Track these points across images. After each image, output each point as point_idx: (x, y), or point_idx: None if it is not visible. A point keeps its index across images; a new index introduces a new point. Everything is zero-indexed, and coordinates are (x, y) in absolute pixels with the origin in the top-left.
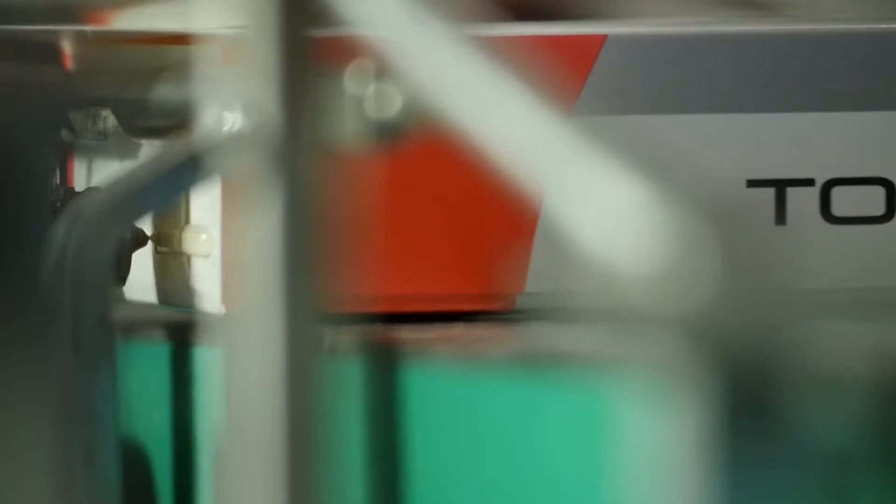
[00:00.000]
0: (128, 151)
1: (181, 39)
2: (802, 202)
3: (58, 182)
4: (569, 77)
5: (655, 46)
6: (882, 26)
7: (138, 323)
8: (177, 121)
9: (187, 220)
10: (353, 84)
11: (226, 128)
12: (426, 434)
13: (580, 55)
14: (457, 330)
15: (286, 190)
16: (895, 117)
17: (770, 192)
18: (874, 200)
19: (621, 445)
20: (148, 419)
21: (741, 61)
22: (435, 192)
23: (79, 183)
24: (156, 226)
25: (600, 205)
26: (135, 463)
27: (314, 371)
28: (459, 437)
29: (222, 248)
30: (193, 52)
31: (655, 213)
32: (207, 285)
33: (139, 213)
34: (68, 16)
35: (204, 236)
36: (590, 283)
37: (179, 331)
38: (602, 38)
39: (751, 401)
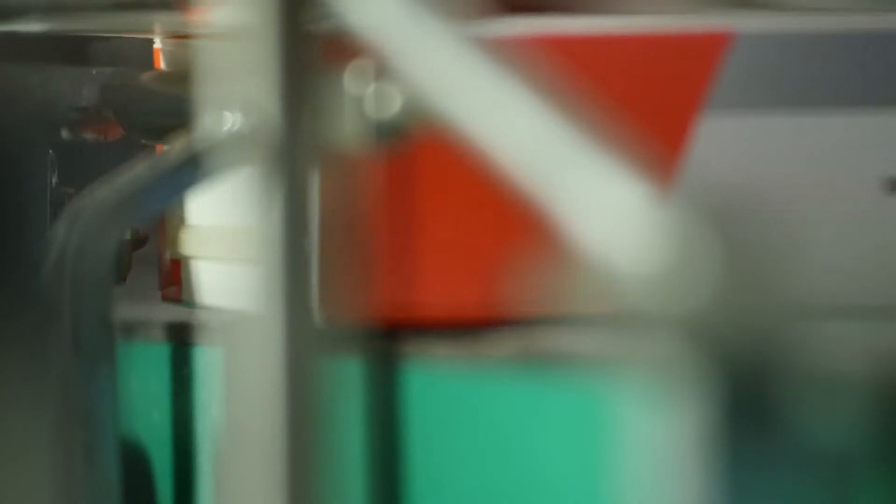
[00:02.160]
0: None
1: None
2: None
3: (57, 182)
4: (697, 74)
5: (787, 43)
6: None
7: (138, 323)
8: (177, 121)
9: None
10: (353, 84)
11: (226, 128)
12: (426, 434)
13: (709, 52)
14: (458, 332)
15: (286, 190)
16: None
17: None
18: None
19: (621, 445)
20: (148, 419)
21: (877, 57)
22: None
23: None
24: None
25: (601, 205)
26: (135, 463)
27: (314, 371)
28: (459, 438)
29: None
30: (195, 52)
31: (656, 214)
32: None
33: (139, 213)
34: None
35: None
36: (591, 284)
37: (179, 331)
38: (731, 35)
39: (751, 401)
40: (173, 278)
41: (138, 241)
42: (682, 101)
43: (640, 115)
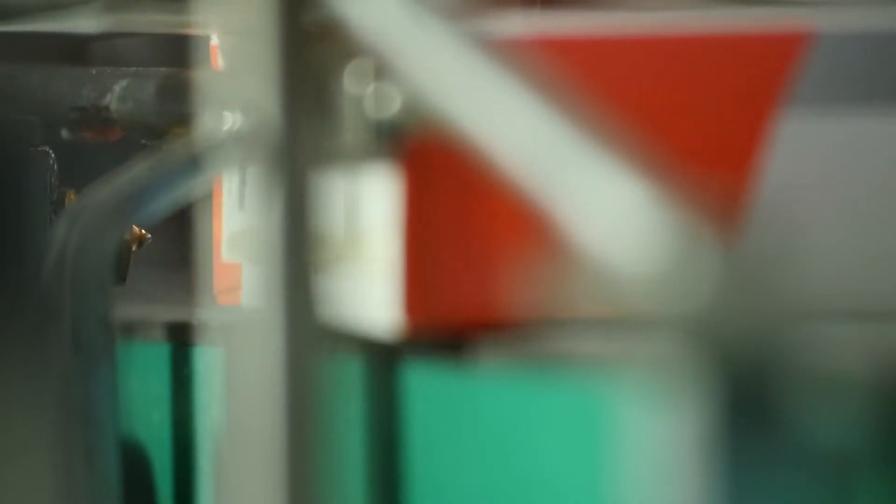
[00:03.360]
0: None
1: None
2: None
3: (57, 182)
4: (776, 75)
5: (870, 42)
6: None
7: (138, 323)
8: (177, 120)
9: (355, 223)
10: (353, 84)
11: (226, 128)
12: (426, 434)
13: (788, 52)
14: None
15: (286, 190)
16: None
17: None
18: None
19: (621, 445)
20: (148, 419)
21: None
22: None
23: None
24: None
25: (601, 205)
26: (135, 463)
27: (314, 371)
28: (460, 438)
29: (402, 251)
30: (195, 52)
31: (656, 214)
32: (379, 292)
33: (139, 213)
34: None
35: (377, 239)
36: (591, 285)
37: (179, 331)
38: (812, 34)
39: (751, 401)
40: (231, 281)
41: (139, 241)
42: (759, 103)
43: (714, 118)
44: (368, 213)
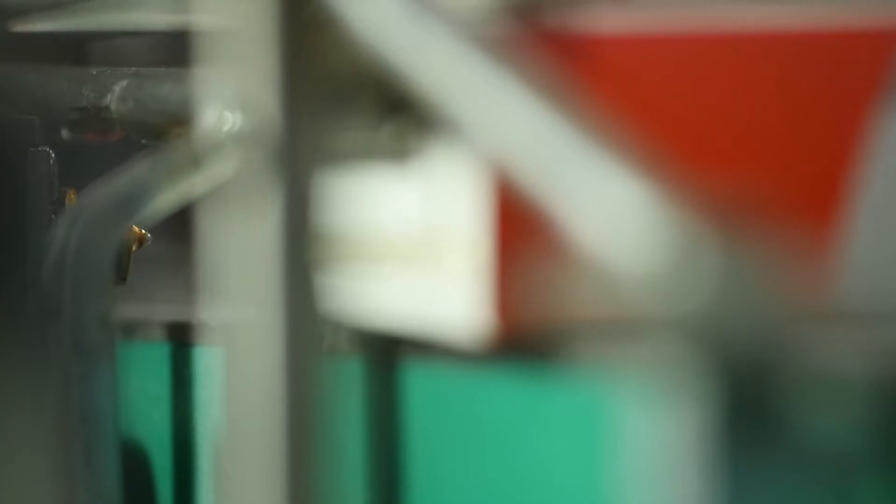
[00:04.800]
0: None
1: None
2: None
3: (57, 182)
4: (878, 72)
5: None
6: None
7: (138, 323)
8: (176, 120)
9: (434, 224)
10: (353, 85)
11: (226, 128)
12: (426, 434)
13: (889, 47)
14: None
15: (286, 190)
16: None
17: None
18: None
19: (621, 446)
20: (148, 419)
21: None
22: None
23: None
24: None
25: (601, 205)
26: (135, 463)
27: (314, 371)
28: (459, 438)
29: (494, 255)
30: (194, 52)
31: (657, 214)
32: (463, 294)
33: (139, 213)
34: None
35: (460, 241)
36: (592, 286)
37: (179, 331)
38: None
39: (751, 402)
40: None
41: (140, 241)
42: (857, 104)
43: (809, 120)
44: (451, 214)
